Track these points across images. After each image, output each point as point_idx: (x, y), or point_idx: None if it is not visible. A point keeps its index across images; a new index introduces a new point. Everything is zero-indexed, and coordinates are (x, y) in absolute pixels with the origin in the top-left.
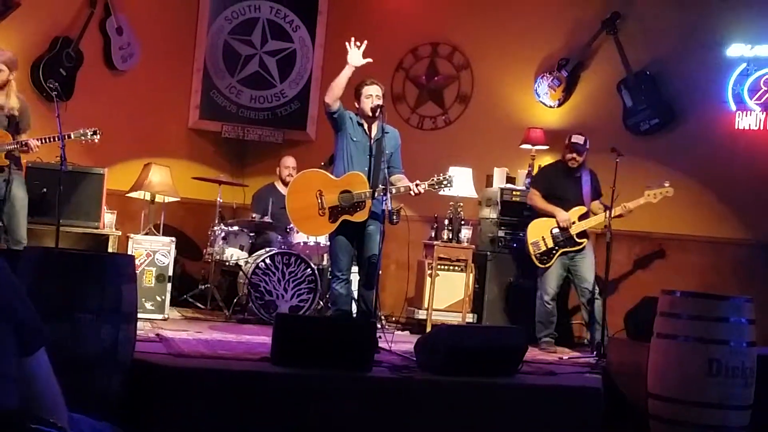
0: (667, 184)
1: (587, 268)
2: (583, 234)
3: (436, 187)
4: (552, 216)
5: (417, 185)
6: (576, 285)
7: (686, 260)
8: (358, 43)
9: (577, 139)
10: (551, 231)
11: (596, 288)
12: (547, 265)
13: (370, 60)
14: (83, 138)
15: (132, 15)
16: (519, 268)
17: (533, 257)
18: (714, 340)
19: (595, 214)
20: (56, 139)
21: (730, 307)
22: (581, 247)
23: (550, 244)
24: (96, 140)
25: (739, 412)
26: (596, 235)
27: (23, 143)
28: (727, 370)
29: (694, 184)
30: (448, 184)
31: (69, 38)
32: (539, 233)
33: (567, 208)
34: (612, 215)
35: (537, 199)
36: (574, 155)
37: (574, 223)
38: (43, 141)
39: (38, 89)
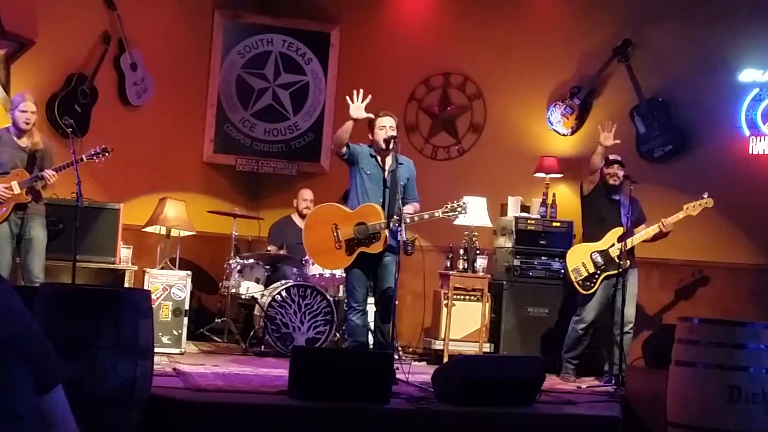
0: (705, 195)
1: (628, 297)
2: (624, 256)
3: (450, 214)
4: (588, 237)
5: (434, 213)
6: (614, 313)
7: (703, 286)
8: (361, 97)
9: (616, 156)
10: (591, 255)
11: (632, 321)
12: (591, 291)
13: (371, 115)
14: (95, 158)
15: (146, 51)
16: (536, 296)
17: (576, 285)
18: (733, 367)
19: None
20: (70, 165)
21: (749, 334)
22: (623, 270)
23: (591, 269)
24: (107, 156)
25: None
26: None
27: (39, 176)
28: (746, 396)
29: (710, 209)
30: (462, 211)
31: (84, 75)
32: (579, 259)
33: (606, 231)
34: (647, 239)
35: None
36: (615, 170)
37: (613, 245)
38: (58, 170)
39: (54, 126)
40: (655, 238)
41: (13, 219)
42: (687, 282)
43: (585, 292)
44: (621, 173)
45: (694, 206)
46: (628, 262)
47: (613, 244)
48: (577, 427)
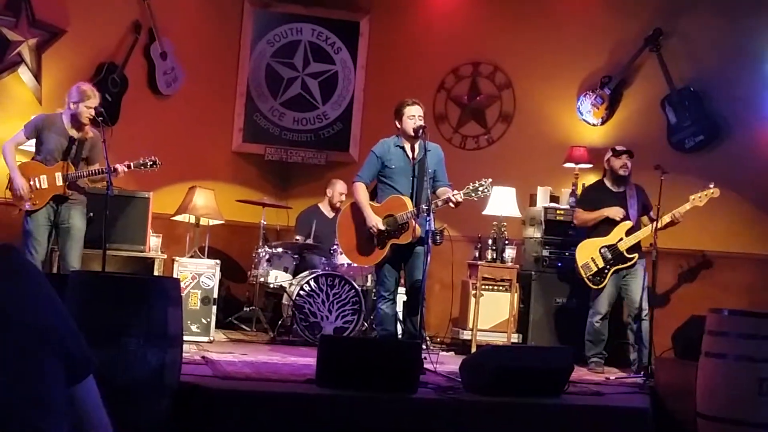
0: (711, 186)
1: (637, 287)
2: (633, 249)
3: (473, 195)
4: (597, 231)
5: (454, 195)
6: (625, 304)
7: (734, 278)
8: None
9: (623, 147)
10: (599, 250)
11: (644, 308)
12: (601, 286)
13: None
14: (143, 168)
15: (176, 40)
16: (564, 287)
17: (586, 280)
18: (763, 359)
19: (644, 226)
20: (139, 167)
21: None
22: (632, 263)
23: (601, 264)
24: (155, 169)
25: None
26: (644, 252)
27: (113, 168)
28: None
29: (741, 200)
30: (485, 190)
31: (114, 64)
32: (588, 254)
33: (613, 227)
34: (659, 227)
35: (583, 214)
36: (625, 160)
37: (621, 239)
38: (128, 167)
39: None
40: (665, 227)
41: (50, 207)
42: (719, 273)
43: (595, 287)
44: (630, 164)
45: (700, 197)
46: (636, 256)
47: (621, 239)
48: (606, 418)
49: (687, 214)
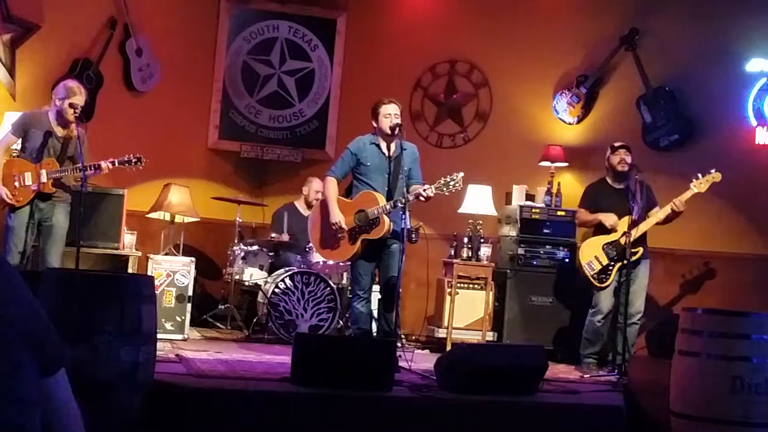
0: (713, 171)
1: (638, 287)
2: (636, 243)
3: (444, 189)
4: (601, 229)
5: (425, 190)
6: (621, 303)
7: (708, 276)
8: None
9: (620, 142)
10: (603, 247)
11: (640, 311)
12: (607, 284)
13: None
14: (127, 165)
15: (151, 36)
16: (540, 285)
17: (591, 279)
18: (736, 357)
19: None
20: (123, 164)
21: (753, 324)
22: (636, 258)
23: (605, 261)
24: (139, 166)
25: (763, 429)
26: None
27: (97, 165)
28: (749, 387)
29: (715, 199)
30: (456, 184)
31: (89, 60)
32: (592, 252)
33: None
34: (660, 220)
35: (583, 215)
36: (622, 155)
37: (624, 234)
38: (112, 164)
39: None
40: (667, 219)
41: (34, 204)
42: (692, 272)
43: (601, 285)
44: (629, 158)
45: (701, 182)
46: (641, 249)
47: (624, 233)
48: (580, 416)
49: (688, 203)
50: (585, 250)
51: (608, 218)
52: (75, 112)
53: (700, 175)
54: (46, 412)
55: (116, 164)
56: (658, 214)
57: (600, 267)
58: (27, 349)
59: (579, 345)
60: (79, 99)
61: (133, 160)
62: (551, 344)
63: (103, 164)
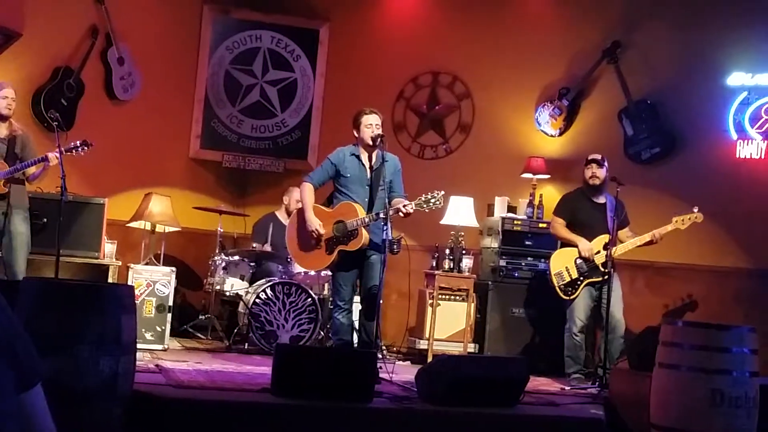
0: (695, 210)
1: (616, 300)
2: (609, 264)
3: (424, 206)
4: (575, 245)
5: (405, 206)
6: (603, 318)
7: (689, 290)
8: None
9: (595, 155)
10: (575, 261)
11: (622, 323)
12: (572, 297)
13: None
14: (74, 151)
15: (133, 45)
16: (521, 297)
17: (557, 289)
18: (716, 370)
19: (622, 243)
20: (69, 151)
21: (733, 337)
22: (606, 277)
23: (575, 275)
24: (86, 150)
25: None
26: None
27: (43, 157)
28: (729, 400)
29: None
30: (437, 202)
31: (70, 68)
32: (563, 263)
33: (592, 236)
34: (640, 244)
35: (559, 228)
36: (594, 170)
37: (598, 252)
38: (60, 153)
39: (39, 119)
40: (645, 244)
41: None
42: (673, 285)
43: (566, 298)
44: (601, 172)
45: (683, 220)
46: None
47: (598, 252)
48: (560, 428)
49: (662, 237)
50: (556, 259)
51: (585, 247)
52: (9, 106)
53: (683, 213)
54: (21, 428)
55: (64, 152)
56: (636, 240)
57: (569, 279)
58: (4, 363)
59: (560, 356)
60: (9, 92)
61: (79, 145)
62: (531, 356)
63: (50, 155)
